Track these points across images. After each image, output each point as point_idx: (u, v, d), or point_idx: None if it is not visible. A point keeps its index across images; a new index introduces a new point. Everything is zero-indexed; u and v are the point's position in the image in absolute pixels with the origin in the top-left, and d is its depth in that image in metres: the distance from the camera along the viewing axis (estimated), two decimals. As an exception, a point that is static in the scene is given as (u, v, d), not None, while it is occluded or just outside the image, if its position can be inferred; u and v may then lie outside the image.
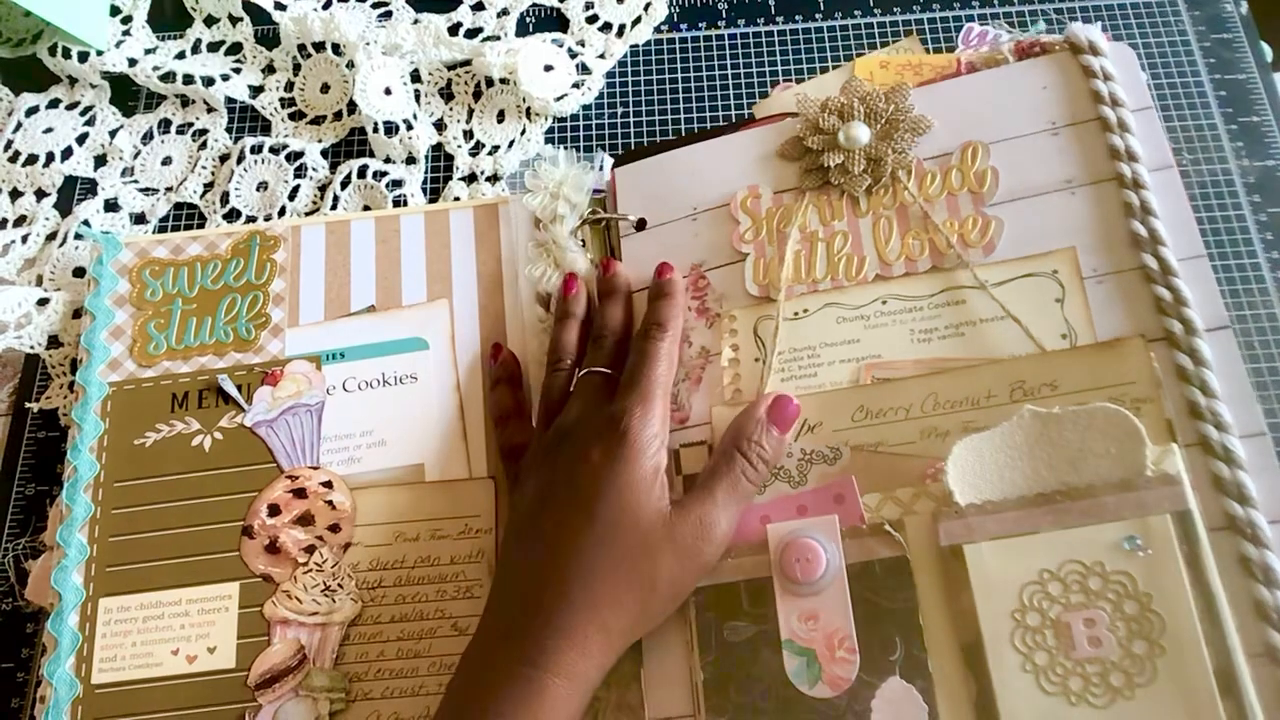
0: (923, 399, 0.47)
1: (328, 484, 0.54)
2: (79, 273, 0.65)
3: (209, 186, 0.67)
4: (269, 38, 0.72)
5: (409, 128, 0.65)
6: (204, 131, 0.69)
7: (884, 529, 0.45)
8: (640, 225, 0.56)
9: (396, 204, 0.64)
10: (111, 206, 0.67)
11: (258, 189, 0.66)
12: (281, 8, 0.71)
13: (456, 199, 0.64)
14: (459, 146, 0.66)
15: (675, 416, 0.51)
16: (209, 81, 0.69)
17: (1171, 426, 0.44)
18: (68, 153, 0.69)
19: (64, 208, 0.67)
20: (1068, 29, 0.53)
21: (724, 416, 0.50)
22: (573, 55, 0.67)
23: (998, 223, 0.50)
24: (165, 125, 0.70)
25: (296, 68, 0.70)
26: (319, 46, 0.69)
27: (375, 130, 0.65)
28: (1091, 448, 0.43)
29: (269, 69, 0.71)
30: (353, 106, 0.67)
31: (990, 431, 0.45)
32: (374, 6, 0.71)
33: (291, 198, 0.65)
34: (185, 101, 0.70)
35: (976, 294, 0.50)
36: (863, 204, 0.53)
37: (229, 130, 0.69)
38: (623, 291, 0.55)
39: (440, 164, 0.66)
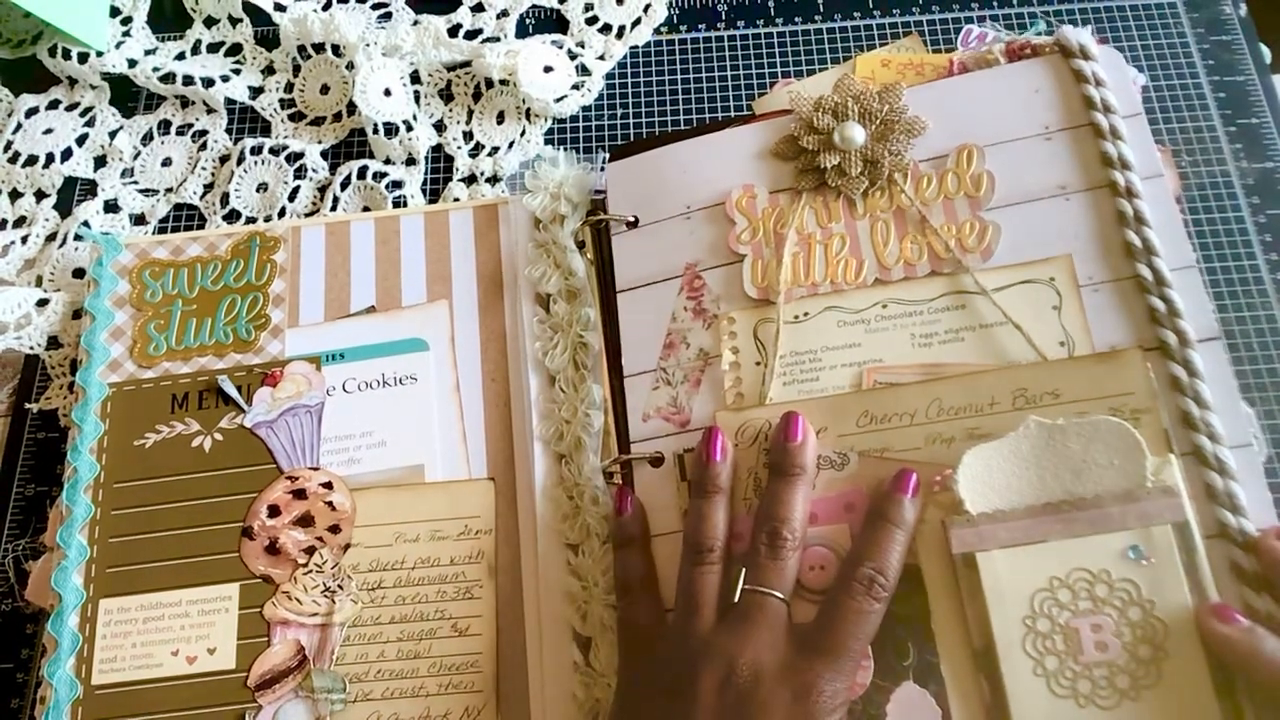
0: (927, 405, 0.47)
1: (328, 485, 0.54)
2: (79, 273, 0.65)
3: (209, 187, 0.67)
4: (269, 39, 0.72)
5: (409, 129, 0.65)
6: (204, 132, 0.69)
7: None
8: (633, 223, 0.56)
9: (396, 205, 0.64)
10: (111, 207, 0.67)
11: (257, 190, 0.66)
12: (281, 9, 0.71)
13: (456, 200, 0.64)
14: (459, 148, 0.66)
15: (675, 420, 0.51)
16: (209, 82, 0.69)
17: (1168, 437, 0.45)
18: (67, 154, 0.69)
19: (64, 209, 0.67)
20: (1058, 31, 0.53)
21: (729, 422, 0.50)
22: (572, 57, 0.67)
23: (995, 228, 0.51)
24: (165, 126, 0.70)
25: (296, 69, 0.70)
26: (319, 48, 0.69)
27: (375, 131, 0.65)
28: (1095, 459, 0.44)
29: (269, 70, 0.71)
30: (352, 108, 0.67)
31: (998, 441, 0.45)
32: (374, 8, 0.71)
33: (291, 199, 0.65)
34: (185, 102, 0.70)
35: (976, 299, 0.50)
36: (859, 206, 0.53)
37: (229, 131, 0.69)
38: (810, 472, 0.47)
39: (440, 165, 0.66)
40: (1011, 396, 0.47)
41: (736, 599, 0.44)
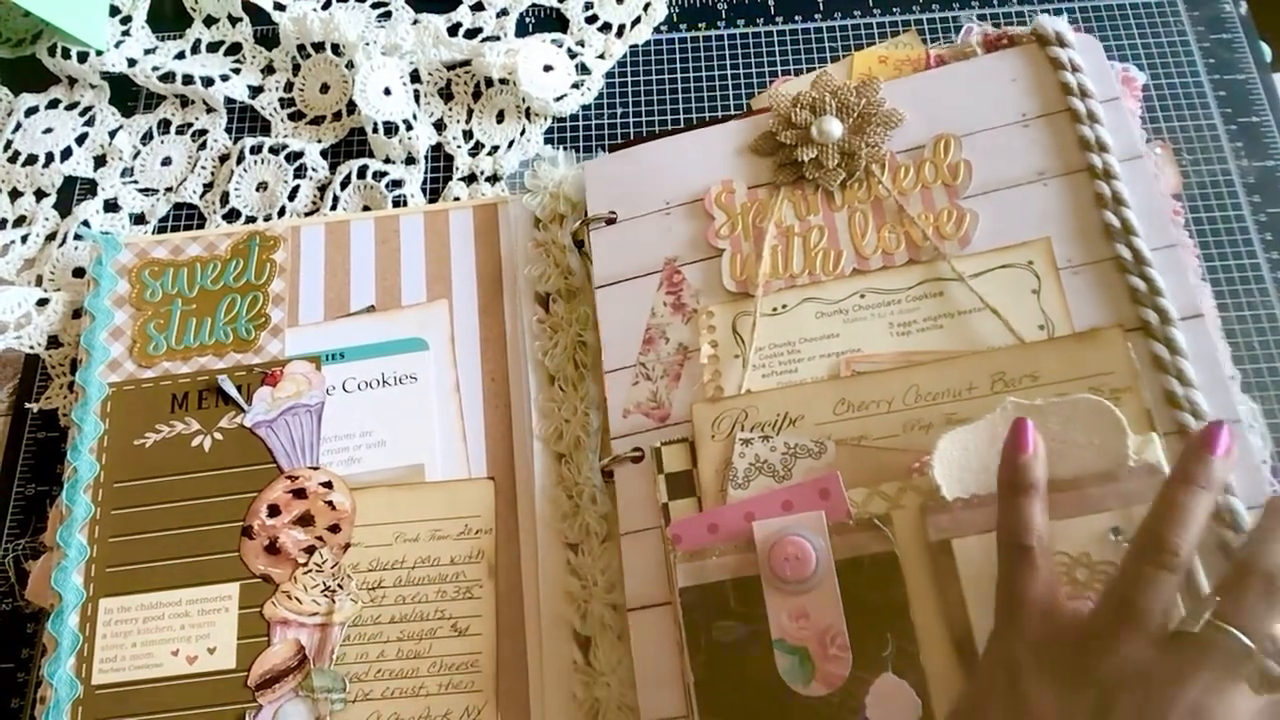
0: (904, 391, 0.48)
1: (327, 484, 0.54)
2: (79, 273, 0.65)
3: (209, 187, 0.67)
4: (268, 38, 0.71)
5: (408, 128, 0.65)
6: (204, 132, 0.69)
7: (872, 524, 0.45)
8: (611, 220, 0.56)
9: (396, 204, 0.64)
10: (111, 207, 0.67)
11: (257, 189, 0.66)
12: (281, 8, 0.71)
13: (456, 199, 0.64)
14: (459, 147, 0.66)
15: (655, 415, 0.51)
16: (208, 82, 0.69)
17: (1150, 416, 0.44)
18: (67, 153, 0.69)
19: (63, 208, 0.67)
20: (1034, 21, 0.54)
21: (704, 414, 0.50)
22: (572, 55, 0.67)
23: (972, 215, 0.51)
24: (165, 125, 0.70)
25: (296, 68, 0.70)
26: (318, 47, 0.69)
27: (375, 130, 0.65)
28: (1074, 439, 0.43)
29: (268, 69, 0.71)
30: (352, 107, 0.67)
31: (974, 424, 0.45)
32: (373, 7, 0.71)
33: (291, 198, 0.65)
34: (185, 102, 0.70)
35: (954, 286, 0.50)
36: (837, 198, 0.53)
37: (228, 130, 0.69)
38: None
39: (440, 164, 0.66)
40: (990, 380, 0.47)
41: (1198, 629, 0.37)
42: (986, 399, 0.46)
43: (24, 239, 0.66)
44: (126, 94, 0.71)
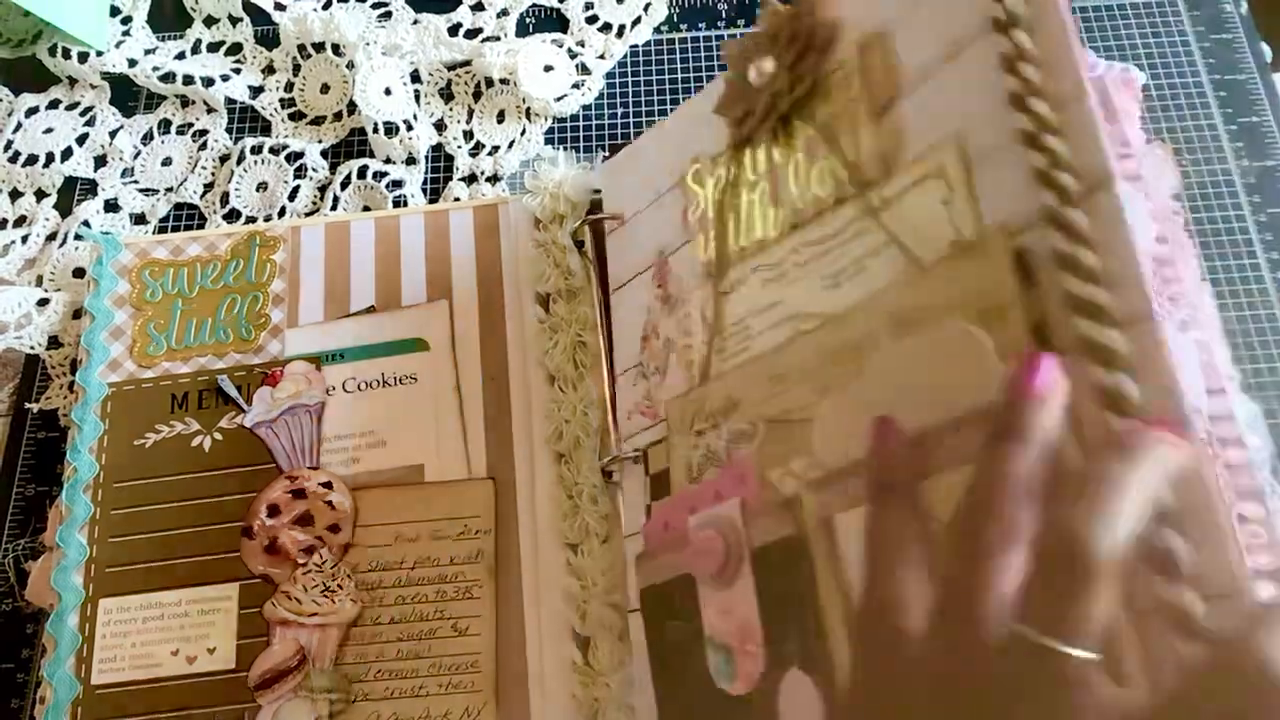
0: (815, 355, 0.42)
1: (327, 484, 0.54)
2: (79, 273, 0.65)
3: (209, 187, 0.67)
4: (269, 38, 0.72)
5: (409, 128, 0.65)
6: (204, 132, 0.69)
7: (777, 507, 0.41)
8: (622, 220, 0.55)
9: (396, 204, 0.64)
10: (111, 207, 0.67)
11: (257, 189, 0.66)
12: (281, 8, 0.71)
13: (456, 199, 0.64)
14: (459, 147, 0.66)
15: (649, 414, 0.51)
16: (209, 82, 0.69)
17: (1044, 330, 0.33)
18: (68, 153, 0.69)
19: (64, 208, 0.67)
20: None
21: (672, 411, 0.48)
22: (572, 55, 0.67)
23: (893, 127, 0.41)
24: (165, 126, 0.70)
25: (296, 68, 0.70)
26: (319, 47, 0.69)
27: (375, 131, 0.65)
28: (947, 379, 0.36)
29: (269, 69, 0.71)
30: (353, 107, 0.67)
31: (850, 386, 0.39)
32: (374, 7, 0.71)
33: (291, 198, 0.65)
34: (185, 102, 0.70)
35: (871, 220, 0.41)
36: (780, 146, 0.46)
37: (229, 131, 0.69)
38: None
39: (440, 164, 0.66)
40: (885, 325, 0.39)
41: None
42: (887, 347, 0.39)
43: (24, 239, 0.66)
44: (127, 94, 0.71)
